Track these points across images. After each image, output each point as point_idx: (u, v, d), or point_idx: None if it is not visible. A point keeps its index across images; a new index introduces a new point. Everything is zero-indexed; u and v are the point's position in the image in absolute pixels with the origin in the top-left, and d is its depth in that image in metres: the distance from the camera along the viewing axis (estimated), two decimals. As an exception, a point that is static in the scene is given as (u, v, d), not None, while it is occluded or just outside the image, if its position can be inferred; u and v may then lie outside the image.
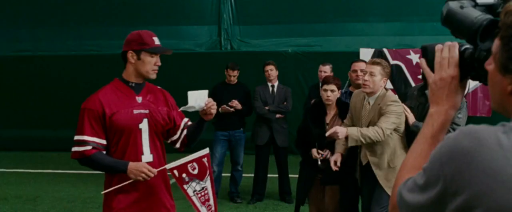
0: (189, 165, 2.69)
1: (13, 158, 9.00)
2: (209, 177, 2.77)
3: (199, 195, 2.74)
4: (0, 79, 9.58)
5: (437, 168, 0.98)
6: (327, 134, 3.67)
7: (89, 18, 9.47)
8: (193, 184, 2.72)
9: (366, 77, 3.72)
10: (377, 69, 3.70)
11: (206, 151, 2.76)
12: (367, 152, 3.77)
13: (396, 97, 3.82)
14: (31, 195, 6.43)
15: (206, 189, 2.76)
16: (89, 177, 7.02)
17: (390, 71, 3.90)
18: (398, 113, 3.67)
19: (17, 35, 9.73)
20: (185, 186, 2.69)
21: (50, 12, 9.53)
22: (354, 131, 3.61)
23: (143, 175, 2.52)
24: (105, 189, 2.65)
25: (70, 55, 9.44)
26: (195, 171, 2.71)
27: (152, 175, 2.54)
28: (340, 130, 3.61)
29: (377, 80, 3.70)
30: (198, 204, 2.74)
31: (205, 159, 2.75)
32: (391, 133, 3.66)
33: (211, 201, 2.79)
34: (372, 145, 3.72)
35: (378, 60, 3.87)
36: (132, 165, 2.53)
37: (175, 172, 2.67)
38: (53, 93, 9.31)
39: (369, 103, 3.81)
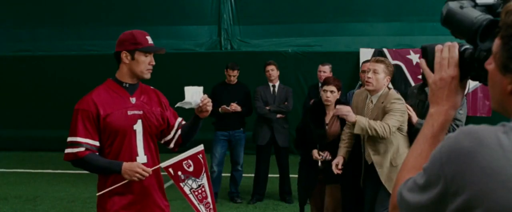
0: (184, 163, 2.65)
1: (13, 158, 9.00)
2: (205, 174, 2.72)
3: (196, 193, 2.70)
4: (0, 79, 9.57)
5: (437, 168, 0.98)
6: (336, 110, 3.67)
7: (89, 18, 9.47)
8: (189, 181, 2.68)
9: (369, 75, 3.70)
10: (380, 67, 3.69)
11: (200, 147, 2.71)
12: (371, 151, 3.76)
13: (399, 95, 3.81)
14: (31, 195, 6.42)
15: (203, 187, 2.72)
16: (89, 177, 7.00)
17: (393, 70, 3.89)
18: (402, 110, 3.67)
19: (17, 35, 9.73)
20: (181, 184, 2.66)
21: (50, 12, 9.52)
22: (362, 119, 3.61)
23: (138, 175, 2.50)
24: (99, 191, 2.62)
25: (70, 55, 9.44)
26: (191, 169, 2.67)
27: (147, 174, 2.52)
28: (351, 112, 3.62)
29: (380, 78, 3.69)
30: (195, 202, 2.70)
31: (200, 156, 2.70)
32: (394, 132, 3.66)
33: (209, 199, 2.75)
34: (376, 144, 3.72)
35: (381, 58, 3.87)
36: (126, 165, 2.51)
37: (171, 170, 2.63)
38: (53, 93, 9.31)
39: (371, 101, 3.80)
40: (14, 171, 7.99)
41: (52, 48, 9.53)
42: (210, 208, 2.77)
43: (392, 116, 3.61)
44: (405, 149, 3.73)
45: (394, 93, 3.78)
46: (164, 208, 2.74)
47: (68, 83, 9.16)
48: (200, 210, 2.74)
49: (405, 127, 3.74)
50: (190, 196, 2.69)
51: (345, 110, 3.62)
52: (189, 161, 2.67)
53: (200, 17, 9.34)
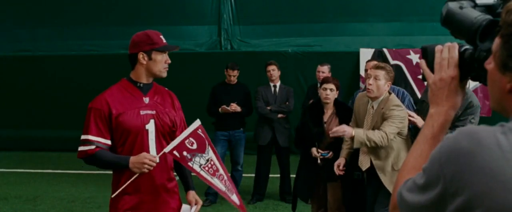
0: (186, 142, 2.62)
1: (13, 158, 9.00)
2: (210, 148, 2.71)
3: (207, 168, 2.66)
4: (0, 79, 9.57)
5: (436, 168, 0.99)
6: (333, 130, 3.71)
7: (89, 18, 9.46)
8: (197, 159, 2.64)
9: (370, 81, 3.72)
10: (381, 74, 3.71)
11: (197, 123, 2.70)
12: (372, 156, 3.79)
13: (399, 101, 3.83)
14: (31, 195, 6.42)
15: (211, 160, 2.70)
16: (89, 177, 7.02)
17: (394, 76, 3.90)
18: (402, 117, 3.68)
19: (17, 35, 9.72)
20: (190, 164, 2.62)
21: (50, 12, 9.52)
22: (360, 133, 3.64)
23: (146, 165, 2.50)
24: (113, 190, 2.63)
25: (70, 55, 9.43)
26: (194, 146, 2.64)
27: (154, 164, 2.53)
28: (347, 129, 3.64)
29: (381, 84, 3.71)
30: (208, 177, 2.66)
31: (199, 131, 2.69)
32: (394, 137, 3.68)
33: (221, 171, 2.72)
34: (376, 149, 3.74)
35: (382, 64, 3.87)
36: (133, 158, 2.53)
37: (175, 153, 2.59)
38: (53, 93, 9.31)
39: (373, 107, 3.81)
40: (14, 171, 7.99)
41: (52, 48, 9.52)
42: (225, 180, 2.73)
43: (391, 123, 3.64)
44: (405, 153, 3.74)
45: (394, 99, 3.79)
46: (176, 208, 2.74)
47: (68, 83, 9.17)
48: (215, 183, 2.69)
49: (405, 131, 3.76)
50: (202, 173, 2.64)
51: (341, 130, 3.66)
52: (191, 138, 2.63)
53: (200, 17, 9.34)
